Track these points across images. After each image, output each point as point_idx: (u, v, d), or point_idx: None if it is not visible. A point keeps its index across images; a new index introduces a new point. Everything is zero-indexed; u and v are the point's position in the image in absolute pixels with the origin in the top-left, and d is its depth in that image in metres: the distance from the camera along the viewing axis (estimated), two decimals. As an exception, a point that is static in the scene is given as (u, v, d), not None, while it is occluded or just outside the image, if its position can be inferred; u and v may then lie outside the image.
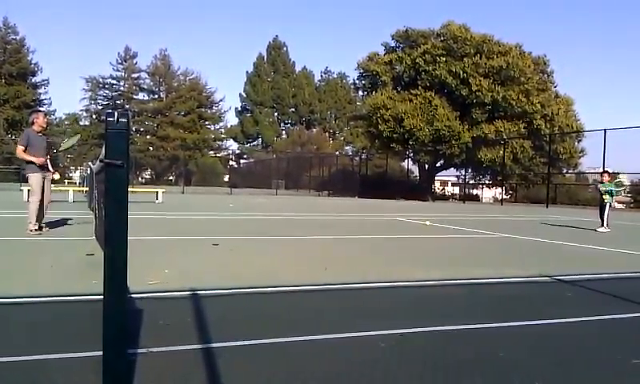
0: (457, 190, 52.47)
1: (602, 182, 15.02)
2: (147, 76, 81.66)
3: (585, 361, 3.48)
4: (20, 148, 9.65)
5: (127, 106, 75.63)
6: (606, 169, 18.39)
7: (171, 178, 74.21)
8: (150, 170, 75.66)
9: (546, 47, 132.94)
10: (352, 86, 67.12)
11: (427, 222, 15.35)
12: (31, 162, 9.58)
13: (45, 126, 10.09)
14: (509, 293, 5.83)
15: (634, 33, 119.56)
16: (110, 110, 2.36)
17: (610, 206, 14.56)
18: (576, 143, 40.68)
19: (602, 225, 13.97)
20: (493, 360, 3.40)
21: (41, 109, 10.55)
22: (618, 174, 34.84)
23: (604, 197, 14.56)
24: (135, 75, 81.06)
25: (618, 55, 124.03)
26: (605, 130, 29.75)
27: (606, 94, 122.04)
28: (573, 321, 4.50)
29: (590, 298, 5.67)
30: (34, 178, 9.62)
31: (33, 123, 9.86)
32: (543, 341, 3.90)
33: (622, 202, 39.63)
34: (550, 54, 61.56)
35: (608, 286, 6.16)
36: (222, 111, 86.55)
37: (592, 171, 38.07)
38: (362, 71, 47.37)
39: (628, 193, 40.29)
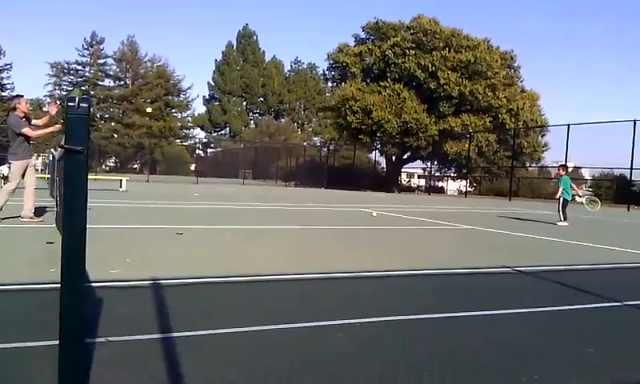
0: (422, 182, 53.00)
1: (559, 176, 15.26)
2: (113, 62, 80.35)
3: (542, 350, 3.57)
4: (27, 129, 9.37)
5: (92, 92, 74.21)
6: (562, 163, 18.74)
7: (136, 166, 73.16)
8: (114, 158, 74.46)
9: (513, 42, 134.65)
10: (322, 77, 67.17)
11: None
12: (19, 150, 9.33)
13: (26, 111, 9.83)
14: (469, 284, 5.94)
15: (597, 31, 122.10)
16: (71, 95, 2.32)
17: (567, 200, 14.71)
18: (540, 138, 41.45)
19: (561, 219, 14.21)
20: (448, 349, 3.46)
21: (21, 94, 10.20)
22: (581, 168, 35.49)
23: (561, 191, 14.75)
24: (101, 61, 79.62)
25: (582, 53, 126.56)
26: (568, 125, 30.40)
27: (570, 90, 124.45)
28: (531, 311, 4.61)
29: (548, 289, 5.81)
30: (18, 165, 9.39)
31: (15, 109, 9.59)
32: (501, 330, 3.99)
33: (594, 202, 40.49)
34: (516, 49, 62.40)
35: (566, 278, 6.32)
36: (190, 99, 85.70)
37: (555, 165, 38.88)
38: (331, 62, 47.39)
39: (589, 187, 41.23)
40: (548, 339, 3.83)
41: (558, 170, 15.59)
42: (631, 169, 27.09)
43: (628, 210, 25.69)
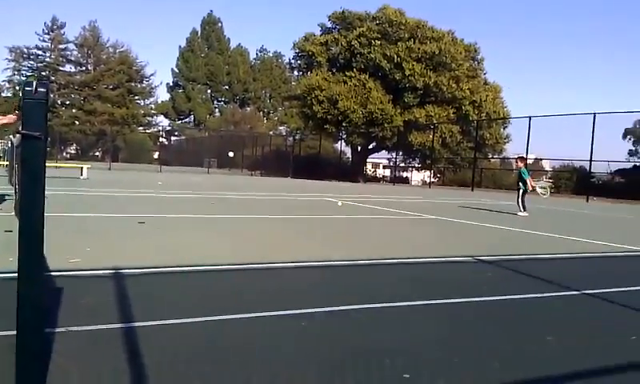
0: (388, 172, 53.36)
1: (519, 168, 15.53)
2: (75, 47, 78.26)
3: (502, 338, 3.64)
4: None
5: (52, 78, 72.36)
6: (520, 154, 19.11)
7: (98, 153, 71.71)
8: (75, 145, 72.82)
9: (477, 35, 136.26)
10: (287, 66, 66.90)
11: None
12: None
13: None
14: (431, 273, 6.02)
15: (557, 25, 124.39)
16: (29, 80, 2.26)
17: (526, 191, 14.94)
18: (502, 129, 42.09)
19: (521, 209, 14.49)
20: (410, 339, 3.51)
21: None
22: (542, 160, 36.19)
23: (520, 182, 15.00)
24: (62, 46, 77.50)
25: (543, 46, 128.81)
26: (530, 117, 30.97)
27: (531, 83, 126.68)
28: (491, 299, 4.70)
29: (508, 278, 5.92)
30: None
31: None
32: (461, 317, 4.06)
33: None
34: (480, 41, 63.20)
35: (526, 267, 6.45)
36: (153, 86, 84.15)
37: (516, 157, 39.60)
38: (297, 51, 47.17)
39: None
40: (507, 327, 3.91)
41: (517, 162, 15.86)
42: (590, 160, 27.76)
43: (587, 200, 26.34)
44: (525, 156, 17.80)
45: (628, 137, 48.93)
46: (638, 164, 35.75)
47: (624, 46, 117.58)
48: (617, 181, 32.85)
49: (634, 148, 48.62)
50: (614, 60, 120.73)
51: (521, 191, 14.80)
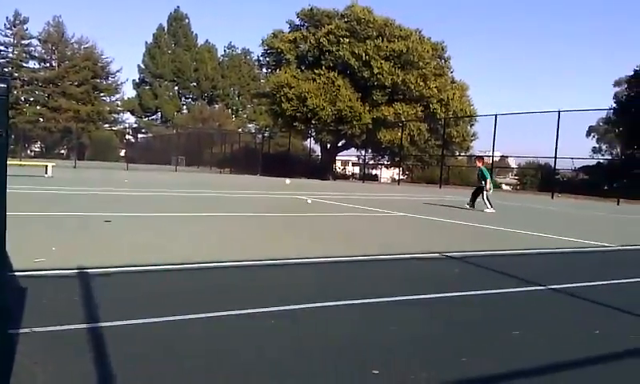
0: (357, 169, 53.56)
1: (479, 167, 15.87)
2: (39, 43, 76.61)
3: (470, 332, 3.69)
4: None
5: (15, 74, 70.77)
6: (479, 154, 19.52)
7: (63, 151, 70.41)
8: (39, 143, 71.34)
9: (444, 34, 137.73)
10: (256, 63, 66.49)
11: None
12: None
13: None
14: (400, 269, 6.07)
15: (523, 24, 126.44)
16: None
17: (487, 190, 15.20)
18: (469, 127, 42.64)
19: (488, 206, 14.74)
20: (379, 335, 3.53)
21: None
22: (507, 157, 36.73)
23: (482, 181, 15.31)
24: (25, 42, 75.77)
25: (509, 45, 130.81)
26: (496, 115, 31.40)
27: (498, 81, 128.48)
28: (459, 295, 4.76)
29: (475, 273, 6.00)
30: None
31: None
32: (430, 313, 4.10)
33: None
34: (447, 40, 63.85)
35: (494, 263, 6.55)
36: (119, 83, 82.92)
37: (483, 154, 40.13)
38: (266, 48, 46.98)
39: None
40: (475, 323, 3.97)
41: (476, 161, 16.24)
42: (555, 158, 28.30)
43: (552, 197, 26.86)
44: (483, 156, 18.20)
45: (592, 134, 50.05)
46: (601, 161, 36.53)
47: (588, 44, 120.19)
48: (581, 177, 33.58)
49: (597, 145, 49.70)
50: (579, 58, 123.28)
51: (485, 189, 15.09)
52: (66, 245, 6.23)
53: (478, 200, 15.09)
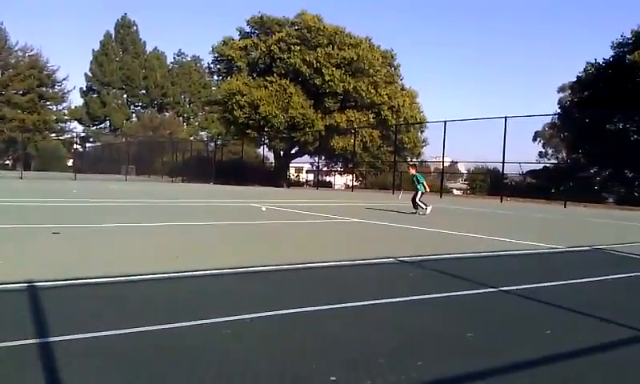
0: (311, 176, 53.64)
1: (414, 174, 16.48)
2: (-20, 50, 73.99)
3: (424, 336, 3.73)
4: None
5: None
6: (412, 162, 20.18)
7: (8, 162, 68.11)
8: (-17, 154, 68.86)
9: (393, 42, 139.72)
10: (207, 70, 65.92)
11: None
12: None
13: None
14: (354, 274, 6.10)
15: (472, 32, 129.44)
16: None
17: (423, 192, 15.99)
18: (419, 133, 43.32)
19: (423, 208, 15.45)
20: (335, 341, 3.54)
21: None
22: (457, 162, 37.35)
23: (418, 186, 15.97)
24: (-35, 48, 73.12)
25: (456, 53, 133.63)
26: (445, 121, 31.91)
27: (446, 88, 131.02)
28: (412, 299, 4.81)
29: (428, 277, 6.09)
30: None
31: None
32: (383, 317, 4.13)
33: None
34: (396, 48, 64.72)
35: (445, 266, 6.65)
36: (65, 91, 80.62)
37: (433, 160, 40.80)
38: (216, 55, 46.64)
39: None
40: (429, 326, 4.02)
41: (410, 169, 17.07)
42: (503, 163, 28.96)
43: (501, 201, 27.47)
44: (416, 163, 19.07)
45: (538, 139, 51.51)
46: (547, 165, 37.60)
47: (533, 51, 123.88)
48: (528, 181, 34.48)
49: (543, 150, 51.17)
50: (525, 66, 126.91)
51: (419, 193, 15.81)
52: (14, 257, 6.03)
53: (418, 202, 15.72)
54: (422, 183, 16.05)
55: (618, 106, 28.58)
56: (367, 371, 2.96)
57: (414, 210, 15.59)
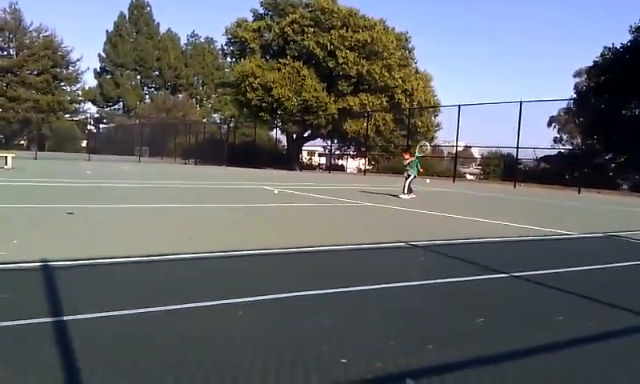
0: (323, 160, 53.58)
1: (405, 160, 16.36)
2: (-5, 31, 74.28)
3: (436, 321, 3.74)
4: None
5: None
6: (407, 148, 19.97)
7: (23, 142, 68.67)
8: (-2, 134, 69.43)
9: (407, 24, 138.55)
10: (220, 52, 65.84)
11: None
12: None
13: None
14: (366, 259, 6.11)
15: (489, 15, 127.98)
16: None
17: (414, 177, 15.94)
18: (433, 117, 43.06)
19: (404, 192, 15.35)
20: (349, 323, 3.55)
21: None
22: (471, 147, 37.19)
23: (409, 171, 15.86)
24: (-19, 30, 73.41)
25: (473, 36, 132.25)
26: (459, 105, 31.73)
27: (461, 71, 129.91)
28: (424, 283, 4.81)
29: (439, 261, 6.08)
30: None
31: None
32: (396, 302, 4.14)
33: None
34: (410, 30, 64.20)
35: (456, 251, 6.64)
36: (80, 72, 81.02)
37: (447, 144, 40.58)
38: (230, 37, 46.53)
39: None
40: (440, 311, 4.02)
41: (403, 155, 16.97)
42: (517, 148, 28.75)
43: (514, 186, 27.33)
44: (409, 150, 18.82)
45: (553, 124, 50.98)
46: (562, 151, 37.27)
47: (550, 35, 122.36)
48: (542, 167, 34.21)
49: (558, 135, 50.65)
50: (541, 49, 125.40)
51: (411, 177, 15.71)
52: (28, 237, 6.09)
53: (411, 186, 15.58)
54: (419, 168, 16.01)
55: (635, 91, 28.20)
56: (377, 353, 2.97)
57: (412, 195, 15.36)
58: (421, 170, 16.50)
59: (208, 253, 5.68)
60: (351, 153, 47.01)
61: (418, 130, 41.16)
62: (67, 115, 74.95)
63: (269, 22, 44.32)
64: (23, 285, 4.12)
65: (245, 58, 44.53)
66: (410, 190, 15.40)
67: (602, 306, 4.33)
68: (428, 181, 19.85)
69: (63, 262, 4.84)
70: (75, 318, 3.31)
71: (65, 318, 3.31)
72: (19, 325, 3.15)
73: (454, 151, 34.90)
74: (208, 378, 2.58)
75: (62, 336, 3.02)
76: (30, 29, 75.85)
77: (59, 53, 76.95)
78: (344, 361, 2.84)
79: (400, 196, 15.19)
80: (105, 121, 78.77)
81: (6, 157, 22.59)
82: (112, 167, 28.84)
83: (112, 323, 3.31)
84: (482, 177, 39.00)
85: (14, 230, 6.55)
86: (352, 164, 49.65)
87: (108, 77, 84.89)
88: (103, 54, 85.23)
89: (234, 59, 49.39)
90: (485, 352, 3.13)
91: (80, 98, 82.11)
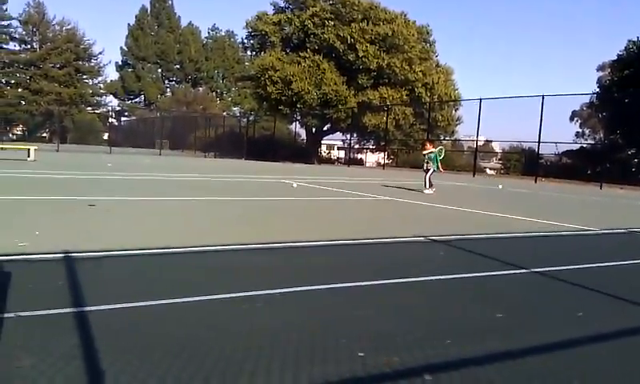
0: (342, 153, 53.53)
1: (425, 151, 15.99)
2: (19, 24, 75.17)
3: (457, 316, 3.72)
4: None
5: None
6: (429, 138, 19.62)
7: (45, 134, 69.52)
8: (21, 126, 70.38)
9: (429, 17, 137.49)
10: (240, 46, 65.92)
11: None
12: None
13: None
14: (386, 253, 6.10)
15: (510, 8, 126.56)
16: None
17: (434, 171, 15.67)
18: (453, 111, 42.71)
19: (426, 187, 15.08)
20: (369, 316, 3.56)
21: None
22: (492, 141, 36.90)
23: (428, 164, 15.57)
24: (5, 23, 74.36)
25: (494, 30, 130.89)
26: (480, 99, 31.47)
27: (482, 64, 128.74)
28: (444, 278, 4.79)
29: (459, 256, 6.05)
30: None
31: None
32: (416, 296, 4.13)
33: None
34: (432, 23, 63.72)
35: (476, 246, 6.60)
36: (101, 65, 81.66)
37: (467, 139, 40.31)
38: (250, 30, 46.61)
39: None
40: (460, 305, 4.00)
41: (424, 145, 16.63)
42: (539, 142, 28.47)
43: (535, 181, 27.08)
44: (431, 139, 18.46)
45: (575, 119, 50.37)
46: (584, 146, 36.82)
47: (573, 29, 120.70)
48: (564, 162, 33.86)
49: (580, 130, 50.04)
50: (564, 43, 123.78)
51: (430, 171, 15.43)
52: (50, 229, 6.18)
53: (431, 180, 15.35)
54: (432, 162, 15.65)
55: (660, 85, 27.74)
56: (394, 347, 2.97)
57: (433, 189, 15.09)
58: (441, 171, 16.11)
59: (227, 245, 5.71)
60: (370, 147, 46.88)
61: (439, 123, 40.90)
62: (89, 108, 75.67)
63: (289, 15, 44.29)
64: (45, 276, 4.18)
65: (265, 52, 44.60)
66: (430, 184, 15.25)
67: (623, 303, 4.28)
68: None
69: (84, 254, 4.90)
70: (96, 309, 3.35)
71: (87, 308, 3.35)
72: (42, 315, 3.20)
73: (475, 145, 34.65)
74: (229, 368, 2.61)
75: (83, 326, 3.06)
76: (53, 22, 76.68)
77: (81, 46, 77.65)
78: (361, 354, 2.85)
79: (423, 191, 14.93)
80: (126, 114, 79.43)
81: (29, 149, 22.90)
82: (133, 160, 29.10)
83: (132, 314, 3.35)
84: (502, 171, 38.69)
85: (35, 221, 6.64)
86: (371, 158, 49.54)
87: (129, 70, 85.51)
88: (125, 48, 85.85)
89: (254, 52, 49.51)
90: (504, 347, 3.11)
91: (102, 91, 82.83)
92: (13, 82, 73.61)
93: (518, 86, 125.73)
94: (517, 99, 33.91)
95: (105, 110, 77.05)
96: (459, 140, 43.31)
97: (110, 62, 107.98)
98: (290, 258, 5.50)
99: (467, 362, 2.87)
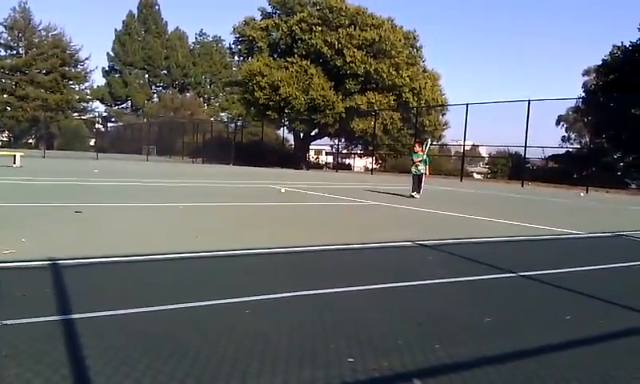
0: (330, 159, 53.55)
1: (415, 152, 15.76)
2: (4, 30, 74.52)
3: (445, 320, 3.74)
4: None
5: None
6: (418, 139, 19.41)
7: (31, 141, 69.06)
8: (7, 133, 69.84)
9: (415, 23, 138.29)
10: (228, 51, 65.82)
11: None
12: None
13: None
14: (374, 258, 6.11)
15: (496, 14, 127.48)
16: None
17: (425, 174, 15.43)
18: (440, 116, 42.91)
19: (416, 191, 14.92)
20: (357, 321, 3.56)
21: None
22: (478, 146, 37.05)
23: (419, 167, 15.22)
24: (-10, 29, 73.77)
25: (480, 35, 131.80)
26: (467, 104, 31.61)
27: (469, 70, 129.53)
28: (432, 283, 4.81)
29: (447, 261, 6.07)
30: None
31: None
32: (405, 300, 4.14)
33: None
34: (418, 29, 64.02)
35: (464, 250, 6.63)
36: (88, 71, 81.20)
37: (454, 143, 40.49)
38: (238, 36, 46.57)
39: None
40: (448, 310, 4.01)
41: (414, 147, 16.32)
42: (525, 146, 28.62)
43: (522, 185, 27.22)
44: (419, 140, 18.12)
45: (561, 123, 50.75)
46: (570, 150, 37.10)
47: (558, 33, 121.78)
48: (550, 166, 34.06)
49: (566, 134, 50.40)
50: (549, 48, 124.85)
51: (421, 174, 15.14)
52: (37, 235, 6.13)
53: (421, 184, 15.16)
54: (423, 164, 15.24)
55: (645, 90, 28.00)
56: (384, 352, 2.98)
57: (418, 194, 14.85)
58: (427, 174, 15.68)
59: (215, 251, 5.70)
60: (358, 152, 46.94)
61: (426, 128, 41.03)
62: (75, 114, 75.17)
63: (277, 21, 44.31)
64: (32, 283, 4.14)
65: (252, 57, 44.57)
66: (418, 189, 15.19)
67: (610, 306, 4.32)
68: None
69: (71, 261, 4.86)
70: (83, 316, 3.33)
71: (74, 316, 3.33)
72: (29, 323, 3.18)
73: (462, 150, 34.78)
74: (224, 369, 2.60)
75: (72, 334, 3.04)
76: (39, 27, 76.17)
77: (68, 52, 77.18)
78: (351, 360, 2.85)
79: (414, 195, 14.80)
80: (113, 119, 79.04)
81: (15, 155, 22.72)
82: (120, 166, 28.95)
83: (120, 321, 3.33)
84: (489, 176, 38.86)
85: (22, 228, 6.59)
86: (359, 163, 49.59)
87: (116, 75, 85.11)
88: (112, 53, 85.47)
89: (241, 58, 49.45)
90: (492, 351, 3.13)
91: (88, 97, 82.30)
92: (-2, 88, 72.96)
93: (504, 91, 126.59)
94: (503, 104, 34.18)
95: (91, 115, 76.56)
96: (446, 145, 43.49)
97: (96, 67, 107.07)
98: (279, 263, 5.49)
99: (456, 366, 2.88)
